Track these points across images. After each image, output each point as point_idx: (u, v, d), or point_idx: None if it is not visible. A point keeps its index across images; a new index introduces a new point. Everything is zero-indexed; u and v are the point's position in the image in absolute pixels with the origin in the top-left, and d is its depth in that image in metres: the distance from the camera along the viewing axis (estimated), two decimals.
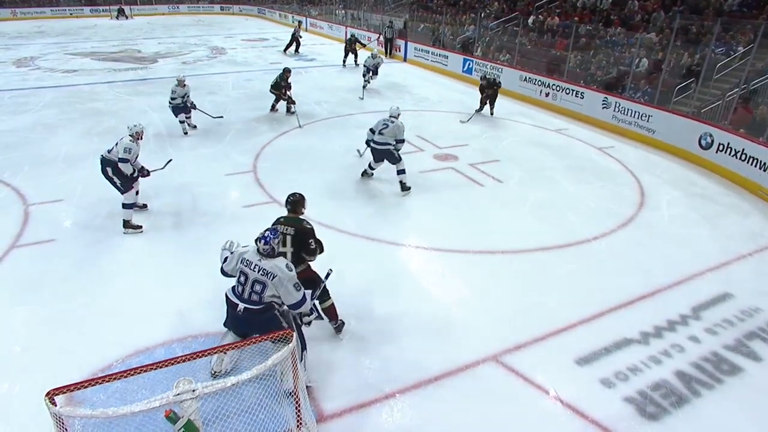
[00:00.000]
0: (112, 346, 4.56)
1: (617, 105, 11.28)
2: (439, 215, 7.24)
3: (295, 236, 4.37)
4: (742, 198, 8.19)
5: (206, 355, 3.42)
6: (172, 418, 2.65)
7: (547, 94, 13.17)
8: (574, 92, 12.38)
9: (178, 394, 2.68)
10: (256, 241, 3.82)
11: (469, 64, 16.02)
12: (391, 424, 3.94)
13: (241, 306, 3.76)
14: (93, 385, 3.19)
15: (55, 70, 16.34)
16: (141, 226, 6.52)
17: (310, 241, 4.39)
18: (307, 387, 3.95)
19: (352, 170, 8.51)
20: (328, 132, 10.63)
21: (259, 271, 3.77)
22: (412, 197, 7.74)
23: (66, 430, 2.88)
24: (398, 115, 7.84)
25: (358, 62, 17.50)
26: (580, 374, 4.43)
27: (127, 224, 6.51)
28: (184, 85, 9.76)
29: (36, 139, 9.89)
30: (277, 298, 3.81)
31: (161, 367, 3.21)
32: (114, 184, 6.46)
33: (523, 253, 6.25)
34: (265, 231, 3.85)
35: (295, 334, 3.23)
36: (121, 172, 6.34)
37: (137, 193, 6.69)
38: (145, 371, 3.27)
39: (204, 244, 6.15)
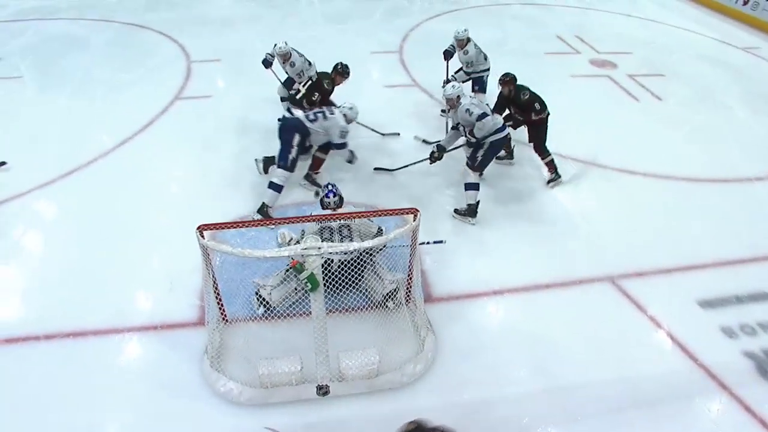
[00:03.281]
0: (252, 198, 5.07)
1: None
2: (582, 125, 6.78)
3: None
4: None
5: (335, 219, 3.71)
6: (298, 268, 2.94)
7: (745, 2, 11.03)
8: None
9: (306, 249, 2.95)
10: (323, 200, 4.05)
11: None
12: (494, 317, 4.13)
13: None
14: (235, 228, 3.65)
15: None
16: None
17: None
18: None
19: (504, 59, 8.10)
20: (479, 18, 10.02)
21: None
22: (553, 100, 7.21)
23: (209, 260, 3.37)
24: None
25: None
26: (701, 316, 4.18)
27: (263, 209, 4.84)
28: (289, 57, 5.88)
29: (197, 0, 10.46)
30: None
31: (293, 223, 3.55)
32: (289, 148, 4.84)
33: (668, 179, 5.74)
34: (326, 189, 4.07)
35: (419, 214, 3.35)
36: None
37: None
38: (279, 224, 3.64)
39: None
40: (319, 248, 2.94)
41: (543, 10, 10.52)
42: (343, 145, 5.02)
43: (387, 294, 3.90)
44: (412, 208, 3.38)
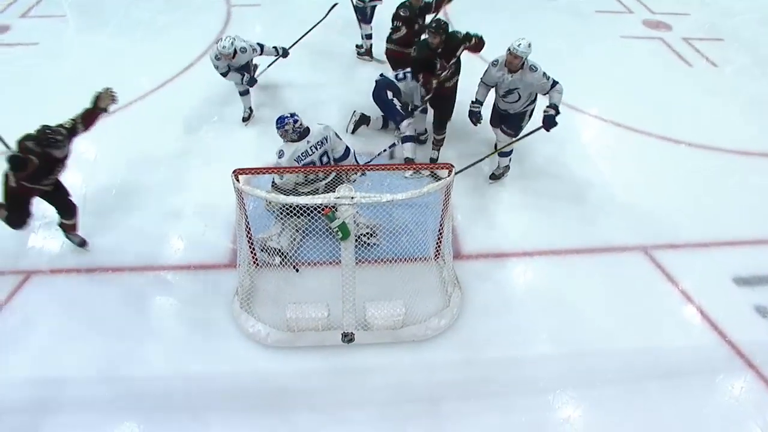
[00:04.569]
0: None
1: None
2: (628, 88, 6.48)
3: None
4: None
5: (370, 170, 3.71)
6: (330, 216, 2.98)
7: None
8: None
9: (339, 197, 2.97)
10: (293, 132, 3.85)
11: None
12: (521, 278, 4.13)
13: (322, 184, 3.94)
14: (269, 173, 3.69)
15: None
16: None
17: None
18: None
19: (551, 16, 7.81)
20: None
21: (317, 148, 3.89)
22: (600, 61, 6.96)
23: (243, 204, 3.44)
24: None
25: None
26: (735, 293, 4.07)
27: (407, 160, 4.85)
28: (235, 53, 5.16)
29: None
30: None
31: (324, 171, 3.57)
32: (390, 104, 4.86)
33: (714, 150, 5.48)
34: (284, 118, 3.86)
35: (453, 169, 3.32)
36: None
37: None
38: (312, 171, 3.68)
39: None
40: (352, 197, 2.96)
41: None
42: (425, 110, 5.09)
43: (358, 236, 3.91)
44: (446, 164, 3.34)
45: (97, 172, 4.88)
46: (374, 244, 4.05)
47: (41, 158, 3.43)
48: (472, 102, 4.64)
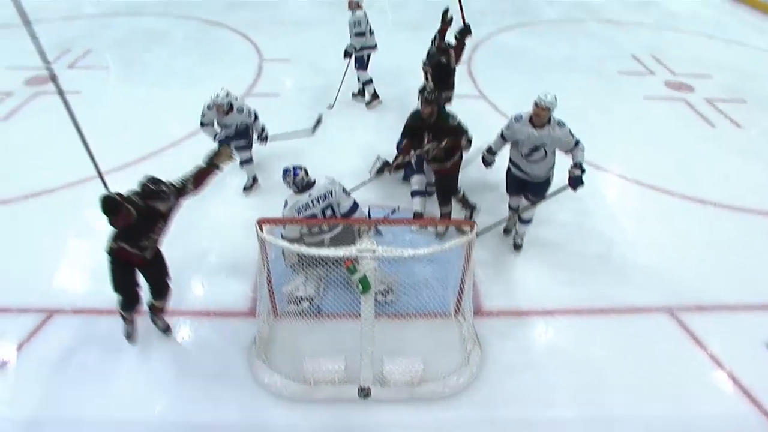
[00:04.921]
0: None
1: None
2: (651, 148, 6.50)
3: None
4: None
5: (381, 224, 3.74)
6: (350, 269, 2.99)
7: None
8: None
9: (361, 250, 3.00)
10: (293, 185, 3.97)
11: None
12: (542, 337, 4.04)
13: (327, 237, 4.01)
14: (291, 224, 3.75)
15: None
16: None
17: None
18: None
19: (575, 77, 8.02)
20: (552, 33, 9.88)
21: (320, 201, 3.94)
22: (624, 120, 7.01)
23: (266, 253, 3.49)
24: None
25: None
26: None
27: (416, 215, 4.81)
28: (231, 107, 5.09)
29: (275, 1, 10.86)
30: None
31: (334, 223, 3.60)
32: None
33: (741, 212, 5.40)
34: (286, 170, 3.97)
35: (475, 226, 3.32)
36: None
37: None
38: (335, 222, 3.73)
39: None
40: (374, 251, 2.98)
41: (619, 29, 10.19)
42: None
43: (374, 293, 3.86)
44: (469, 221, 3.36)
45: None
46: (390, 302, 4.04)
47: (141, 212, 3.21)
48: (487, 149, 4.49)
